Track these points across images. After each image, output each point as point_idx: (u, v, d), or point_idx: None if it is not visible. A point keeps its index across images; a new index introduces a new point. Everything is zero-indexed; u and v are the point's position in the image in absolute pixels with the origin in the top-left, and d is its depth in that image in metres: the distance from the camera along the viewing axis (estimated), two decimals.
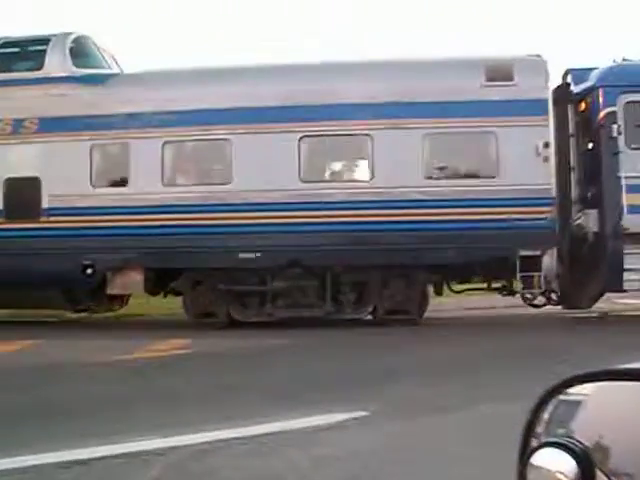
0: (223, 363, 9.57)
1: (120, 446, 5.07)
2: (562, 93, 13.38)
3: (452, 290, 13.79)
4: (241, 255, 12.58)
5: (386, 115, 12.68)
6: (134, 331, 13.20)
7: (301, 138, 12.77)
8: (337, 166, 13.56)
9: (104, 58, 14.02)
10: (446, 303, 15.09)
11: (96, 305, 13.93)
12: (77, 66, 13.46)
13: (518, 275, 12.49)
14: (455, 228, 12.41)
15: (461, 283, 13.97)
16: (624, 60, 13.63)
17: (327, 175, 13.35)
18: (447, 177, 13.02)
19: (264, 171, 12.66)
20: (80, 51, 13.68)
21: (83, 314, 14.69)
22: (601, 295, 13.45)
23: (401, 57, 13.94)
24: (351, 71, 13.23)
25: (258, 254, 12.57)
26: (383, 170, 12.72)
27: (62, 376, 8.58)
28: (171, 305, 14.77)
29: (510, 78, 12.68)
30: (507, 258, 12.45)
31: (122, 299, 14.30)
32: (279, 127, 12.74)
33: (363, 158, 13.05)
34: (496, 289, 13.39)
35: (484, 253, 12.47)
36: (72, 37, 13.57)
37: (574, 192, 13.19)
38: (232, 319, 13.02)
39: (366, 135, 12.81)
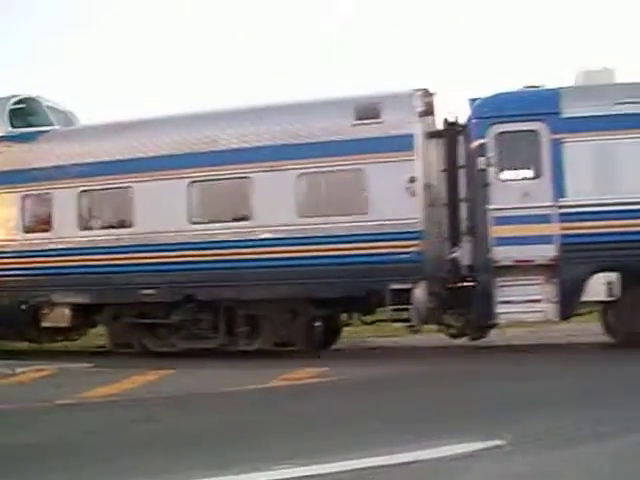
0: (355, 391, 9.77)
1: (247, 476, 5.21)
2: (452, 125, 13.57)
3: (363, 322, 14.33)
4: (143, 291, 13.89)
5: (264, 158, 13.48)
6: (269, 360, 13.51)
7: (190, 183, 13.86)
8: (221, 208, 14.27)
9: (49, 116, 15.70)
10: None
11: (38, 337, 15.44)
12: (16, 126, 15.25)
13: (389, 308, 12.83)
14: (330, 263, 13.07)
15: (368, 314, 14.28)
16: (527, 87, 13.64)
17: (213, 216, 14.14)
18: (320, 215, 13.41)
19: (160, 214, 13.95)
20: (22, 111, 15.55)
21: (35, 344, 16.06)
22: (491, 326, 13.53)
23: (278, 100, 14.54)
24: (231, 118, 14.27)
25: (157, 290, 13.82)
26: (262, 210, 13.62)
27: (197, 405, 9.13)
28: None
29: (377, 116, 13.16)
30: (380, 291, 12.83)
31: (68, 331, 15.65)
32: (172, 174, 13.92)
33: (244, 200, 13.78)
34: (400, 320, 13.60)
35: (358, 287, 13.01)
36: (14, 99, 15.45)
37: (454, 225, 13.25)
38: (146, 349, 14.25)
39: (246, 178, 13.67)
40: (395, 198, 12.81)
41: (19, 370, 12.31)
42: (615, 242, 12.40)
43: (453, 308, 13.45)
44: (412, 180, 12.78)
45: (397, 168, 12.86)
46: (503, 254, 12.59)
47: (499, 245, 12.61)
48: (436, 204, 13.28)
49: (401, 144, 12.90)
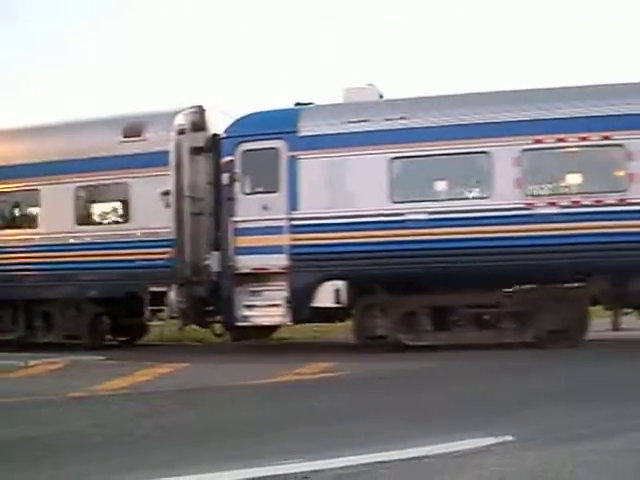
0: (367, 386, 9.76)
1: (264, 469, 5.10)
2: (214, 141, 14.71)
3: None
4: None
5: (50, 172, 15.02)
6: (280, 355, 14.01)
7: None
8: (14, 217, 16.36)
9: None
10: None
11: None
12: None
13: (147, 308, 14.25)
14: (99, 267, 14.59)
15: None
16: (297, 104, 14.65)
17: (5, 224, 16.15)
18: (92, 223, 15.26)
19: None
20: None
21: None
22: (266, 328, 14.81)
23: (64, 119, 16.08)
24: (23, 135, 15.86)
25: None
26: (49, 220, 15.22)
27: (208, 399, 9.07)
28: (318, 329, 16.47)
29: (141, 134, 14.52)
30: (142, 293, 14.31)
31: None
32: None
33: (33, 209, 15.70)
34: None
35: (121, 289, 14.43)
36: None
37: (209, 234, 14.62)
38: None
39: (35, 190, 15.34)
40: (153, 209, 14.27)
41: (31, 363, 12.46)
42: (342, 253, 13.45)
43: (209, 311, 14.73)
44: (166, 193, 14.09)
45: (155, 182, 14.24)
46: (243, 262, 13.79)
47: (240, 254, 13.81)
48: (203, 214, 14.67)
49: (159, 160, 14.30)
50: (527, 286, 13.60)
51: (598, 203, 12.92)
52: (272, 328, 15.21)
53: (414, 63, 48.45)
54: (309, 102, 14.70)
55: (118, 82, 46.26)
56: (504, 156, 13.22)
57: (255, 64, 51.28)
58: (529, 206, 13.05)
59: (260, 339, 15.30)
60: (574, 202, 13.00)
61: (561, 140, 13.17)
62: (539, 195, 13.30)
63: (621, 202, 12.82)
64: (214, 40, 50.96)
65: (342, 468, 5.01)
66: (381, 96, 14.79)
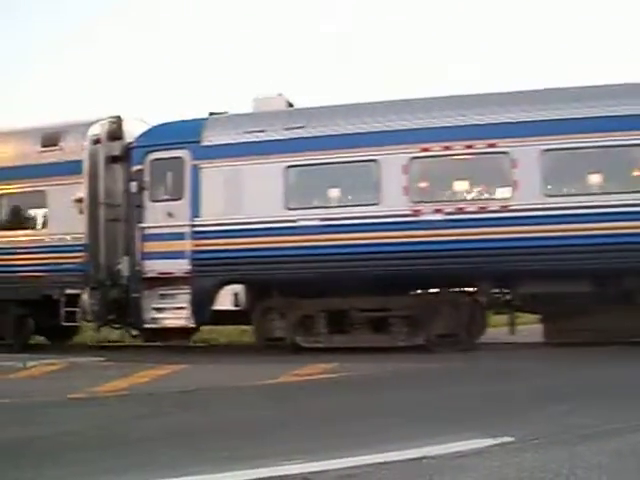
0: (367, 387, 9.79)
1: (265, 470, 5.11)
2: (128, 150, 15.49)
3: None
4: None
5: None
6: (279, 356, 13.75)
7: None
8: None
9: None
10: None
11: None
12: None
13: (62, 310, 15.03)
14: (16, 271, 15.41)
15: None
16: (210, 114, 15.43)
17: None
18: (12, 229, 15.92)
19: None
20: None
21: None
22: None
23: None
24: None
25: None
26: None
27: (208, 400, 9.06)
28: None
29: (57, 143, 15.33)
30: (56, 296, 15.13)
31: None
32: None
33: None
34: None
35: (38, 292, 15.27)
36: None
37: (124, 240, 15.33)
38: None
39: None
40: (67, 216, 15.01)
41: (30, 364, 12.53)
42: (239, 258, 14.18)
43: (121, 313, 15.37)
44: (79, 200, 14.87)
45: (70, 190, 14.97)
46: (150, 267, 14.63)
47: (147, 259, 14.65)
48: (119, 220, 15.36)
49: (73, 168, 15.10)
50: (418, 291, 14.40)
51: (482, 210, 13.56)
52: (189, 330, 15.57)
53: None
54: (223, 112, 15.50)
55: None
56: (392, 164, 13.80)
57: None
58: (416, 213, 13.65)
59: (179, 340, 15.86)
60: (459, 209, 13.59)
61: (447, 148, 13.73)
62: (425, 202, 13.81)
63: (504, 209, 13.48)
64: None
65: (343, 469, 5.08)
66: (291, 105, 15.52)
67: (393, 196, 13.86)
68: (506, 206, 13.54)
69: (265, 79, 44.70)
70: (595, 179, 13.66)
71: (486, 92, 14.47)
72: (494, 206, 13.64)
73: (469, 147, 13.80)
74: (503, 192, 13.86)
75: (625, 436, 5.91)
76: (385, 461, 5.28)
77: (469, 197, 14.08)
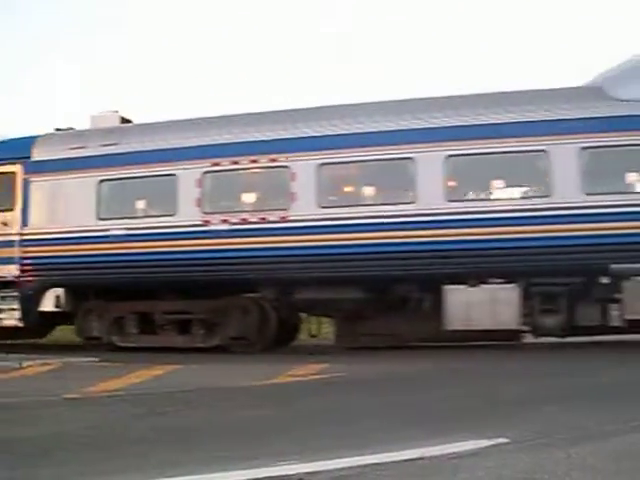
0: (362, 387, 9.87)
1: (259, 471, 5.08)
2: None
3: None
4: None
5: None
6: (273, 356, 14.42)
7: None
8: None
9: None
10: None
11: None
12: None
13: None
14: None
15: None
16: (56, 130, 17.40)
17: None
18: None
19: None
20: None
21: None
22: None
23: None
24: None
25: None
26: None
27: (203, 400, 9.11)
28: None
29: None
30: None
31: None
32: None
33: None
34: None
35: None
36: None
37: None
38: None
39: None
40: None
41: (25, 364, 12.86)
42: (59, 264, 16.01)
43: None
44: None
45: None
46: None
47: None
48: None
49: None
50: (219, 296, 15.79)
51: (262, 220, 15.01)
52: (47, 328, 17.85)
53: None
54: (68, 128, 17.48)
55: None
56: (188, 178, 15.42)
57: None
58: (206, 223, 15.30)
59: (34, 338, 17.86)
60: (242, 219, 15.14)
61: (235, 163, 15.29)
62: (214, 213, 15.36)
63: (282, 219, 14.89)
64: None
65: (338, 470, 5.07)
66: (127, 121, 17.31)
67: (188, 207, 15.50)
68: (285, 217, 14.93)
69: (265, 79, 45.15)
70: (368, 191, 15.22)
71: (275, 110, 15.93)
72: (274, 217, 15.00)
73: (254, 162, 15.27)
74: (282, 204, 15.14)
75: (621, 437, 5.91)
76: (381, 462, 5.26)
77: (252, 208, 15.49)
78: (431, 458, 5.32)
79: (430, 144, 14.38)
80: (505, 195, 14.57)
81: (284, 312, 15.75)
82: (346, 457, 5.38)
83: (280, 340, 16.33)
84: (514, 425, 6.54)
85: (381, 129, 14.61)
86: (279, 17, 54.30)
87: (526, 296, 14.03)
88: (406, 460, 5.28)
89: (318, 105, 15.43)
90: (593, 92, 14.17)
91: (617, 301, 13.70)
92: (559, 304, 14.00)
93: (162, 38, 54.78)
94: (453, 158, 14.26)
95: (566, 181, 13.81)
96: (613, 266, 13.41)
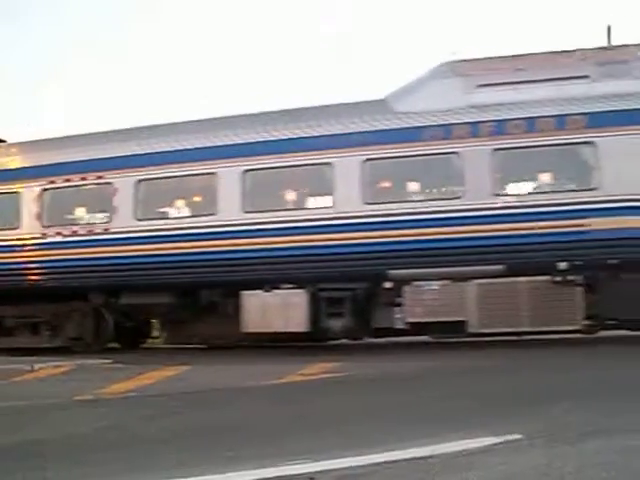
0: (371, 386, 9.86)
1: (270, 470, 5.11)
2: None
3: None
4: None
5: None
6: (282, 356, 14.43)
7: None
8: None
9: None
10: None
11: None
12: None
13: None
14: None
15: None
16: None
17: None
18: None
19: None
20: None
21: None
22: None
23: None
24: None
25: None
26: None
27: (214, 400, 9.17)
28: None
29: None
30: None
31: None
32: None
33: None
34: None
35: None
36: None
37: None
38: None
39: None
40: None
41: (37, 366, 12.80)
42: None
43: None
44: None
45: None
46: None
47: None
48: None
49: None
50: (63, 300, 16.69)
51: (90, 232, 16.24)
52: None
53: None
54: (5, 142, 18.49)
55: None
56: (29, 195, 16.63)
57: None
58: (44, 235, 16.49)
59: None
60: (73, 232, 16.37)
61: (68, 180, 16.46)
62: (52, 226, 16.47)
63: (106, 231, 16.08)
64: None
65: (347, 468, 5.08)
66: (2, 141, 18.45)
67: (31, 222, 16.69)
68: (107, 229, 16.11)
69: (265, 79, 45.08)
70: (180, 204, 16.27)
71: (94, 131, 17.11)
72: (98, 229, 16.23)
73: (84, 179, 16.41)
74: (106, 217, 16.35)
75: (631, 433, 5.83)
76: (390, 460, 5.26)
77: (82, 222, 16.76)
78: (440, 456, 5.30)
79: (230, 160, 15.38)
80: (294, 206, 15.42)
81: (117, 316, 16.82)
82: (356, 455, 5.37)
83: (133, 342, 17.92)
84: (523, 422, 6.50)
85: (191, 147, 15.72)
86: (279, 17, 54.36)
87: (314, 301, 14.96)
88: (416, 458, 5.27)
89: (137, 125, 16.61)
90: (378, 106, 14.90)
91: (400, 305, 14.53)
92: (344, 308, 14.95)
93: (162, 38, 54.05)
94: (250, 172, 15.25)
95: (349, 191, 14.65)
96: (391, 272, 14.35)
